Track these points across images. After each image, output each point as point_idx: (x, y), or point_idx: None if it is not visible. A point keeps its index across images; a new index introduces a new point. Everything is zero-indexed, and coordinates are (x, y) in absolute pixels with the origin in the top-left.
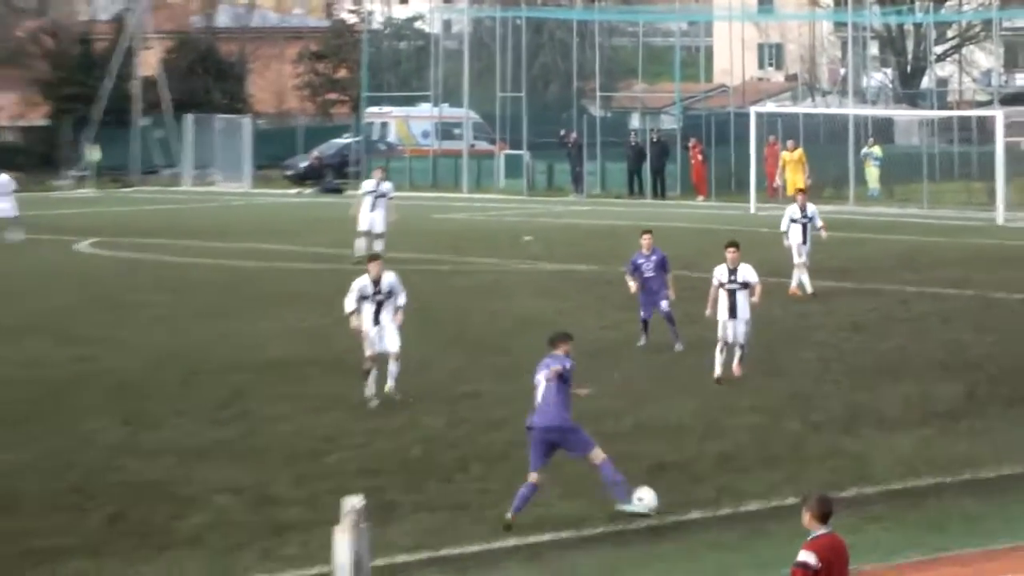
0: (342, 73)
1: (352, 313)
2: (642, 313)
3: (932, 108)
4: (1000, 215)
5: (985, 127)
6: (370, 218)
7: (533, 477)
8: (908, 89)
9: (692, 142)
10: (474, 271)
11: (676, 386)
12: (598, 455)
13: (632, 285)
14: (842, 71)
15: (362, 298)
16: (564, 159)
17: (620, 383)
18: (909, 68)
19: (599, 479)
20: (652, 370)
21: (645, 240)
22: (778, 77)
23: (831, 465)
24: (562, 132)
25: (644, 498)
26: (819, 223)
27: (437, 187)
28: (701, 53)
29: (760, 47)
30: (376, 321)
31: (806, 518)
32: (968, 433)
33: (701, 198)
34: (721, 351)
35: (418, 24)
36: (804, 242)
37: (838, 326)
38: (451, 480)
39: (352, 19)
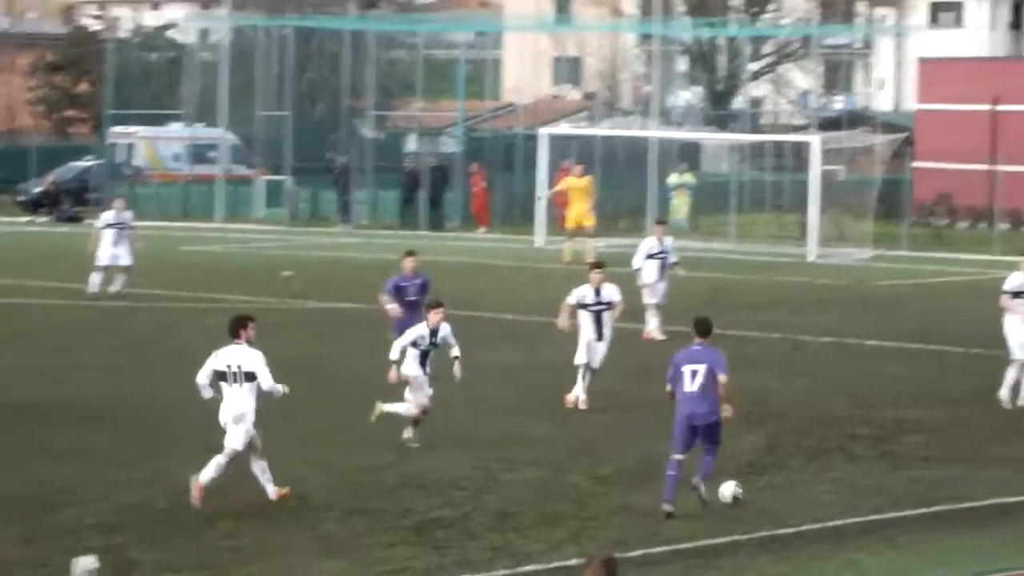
0: (83, 87)
1: (395, 363)
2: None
3: (744, 131)
4: (812, 251)
5: (800, 154)
6: (112, 252)
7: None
8: (719, 110)
9: (474, 167)
10: (229, 309)
11: (451, 437)
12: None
13: (393, 309)
14: (646, 89)
15: (413, 345)
16: (331, 186)
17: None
18: (720, 87)
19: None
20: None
21: (408, 263)
22: (575, 95)
23: (619, 522)
24: (329, 156)
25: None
26: (673, 259)
27: (189, 216)
28: (489, 68)
29: (556, 61)
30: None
31: None
32: (769, 488)
33: (483, 230)
34: (584, 376)
35: (171, 33)
36: (660, 280)
37: (629, 372)
38: (198, 537)
39: (95, 26)
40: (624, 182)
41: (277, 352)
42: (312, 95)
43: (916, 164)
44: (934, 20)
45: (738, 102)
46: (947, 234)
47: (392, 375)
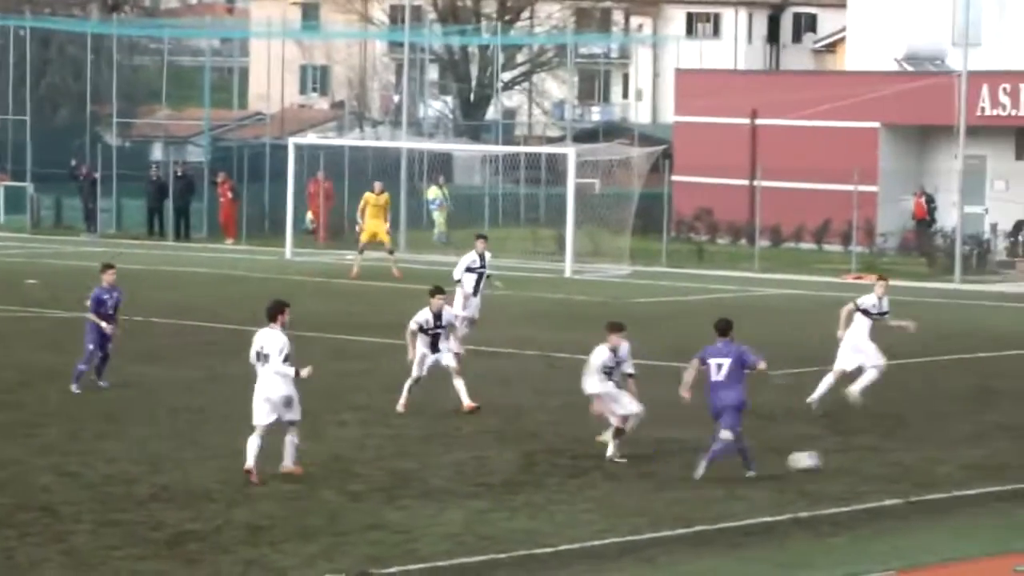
0: None
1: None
2: (90, 346)
3: (497, 142)
4: (568, 267)
5: (555, 166)
6: None
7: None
8: (471, 120)
9: (221, 177)
10: None
11: (202, 449)
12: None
13: (104, 325)
14: (396, 98)
15: (421, 330)
16: (75, 193)
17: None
18: (473, 97)
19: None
20: (165, 428)
21: (107, 276)
22: (323, 104)
23: (372, 538)
24: (73, 163)
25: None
26: (489, 273)
27: None
28: (235, 75)
29: (303, 69)
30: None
31: None
32: (525, 506)
33: (230, 241)
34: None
35: None
36: (475, 294)
37: (383, 387)
38: None
39: None
40: None
41: (21, 361)
42: (53, 100)
43: (675, 178)
44: (691, 30)
45: (491, 112)
46: (707, 250)
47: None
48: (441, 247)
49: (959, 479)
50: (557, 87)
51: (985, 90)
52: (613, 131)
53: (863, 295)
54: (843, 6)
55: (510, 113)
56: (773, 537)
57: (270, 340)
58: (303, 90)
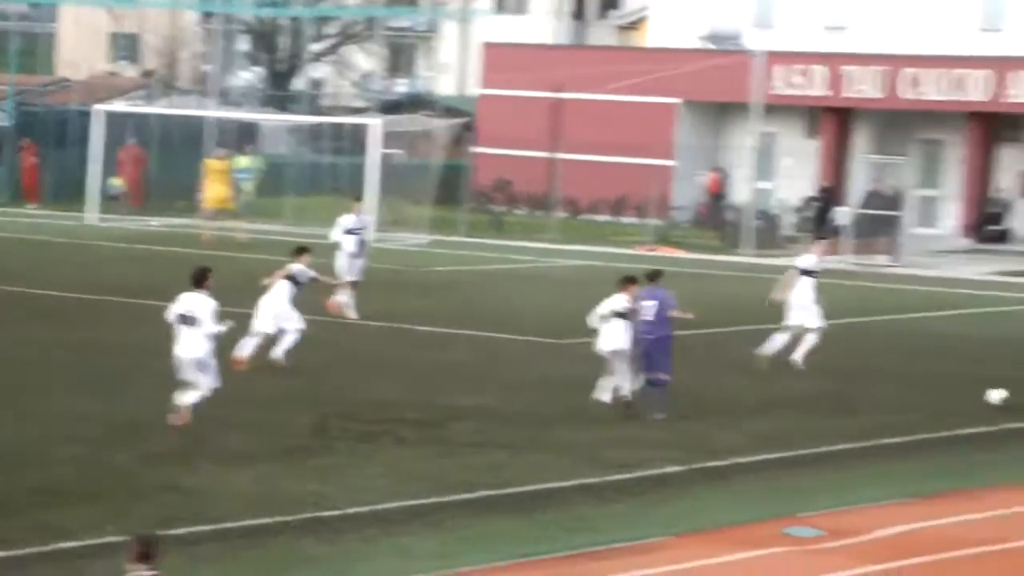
0: None
1: None
2: None
3: (304, 113)
4: (369, 235)
5: (360, 137)
6: None
7: None
8: (279, 91)
9: (25, 143)
10: None
11: None
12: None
13: None
14: (206, 68)
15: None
16: None
17: None
18: (282, 67)
19: None
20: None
21: None
22: (133, 72)
23: (162, 501)
24: None
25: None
26: (370, 238)
27: None
28: (42, 41)
29: (113, 37)
30: None
31: (127, 558)
32: (316, 470)
33: (33, 205)
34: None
35: None
36: (358, 256)
37: None
38: None
39: None
40: (181, 162)
41: None
42: None
43: (476, 150)
44: (499, 6)
45: (299, 83)
46: (506, 221)
47: None
48: (249, 216)
49: (740, 447)
50: (365, 59)
51: (778, 70)
52: (418, 103)
53: (798, 258)
54: None
55: (317, 84)
56: (558, 502)
57: (199, 304)
58: (113, 58)
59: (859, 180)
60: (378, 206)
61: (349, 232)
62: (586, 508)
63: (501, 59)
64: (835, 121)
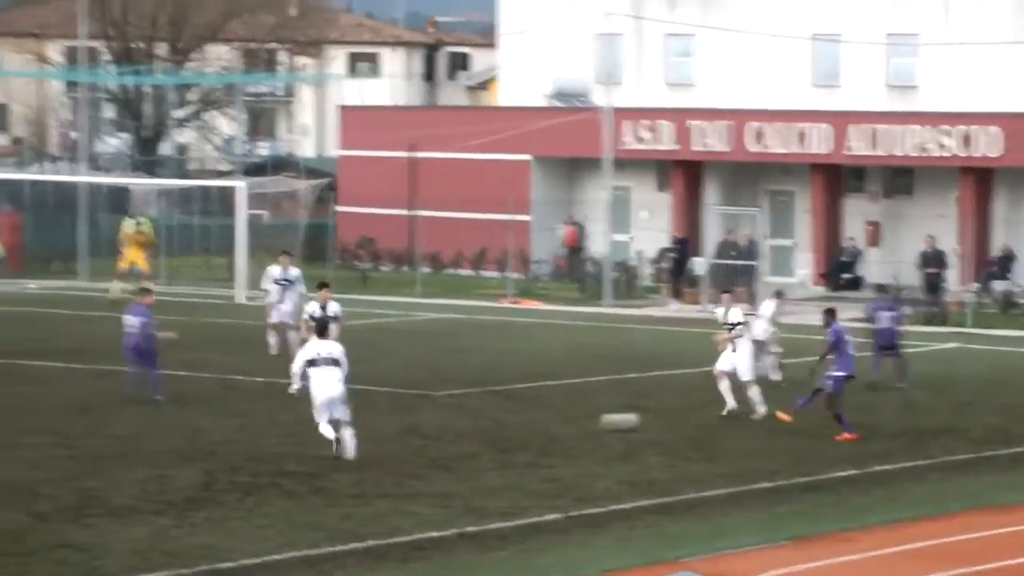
0: None
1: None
2: None
3: (172, 177)
4: (240, 293)
5: (227, 198)
6: None
7: None
8: (146, 156)
9: None
10: None
11: None
12: None
13: None
14: (73, 135)
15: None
16: None
17: None
18: (148, 133)
19: None
20: None
21: None
22: (2, 140)
23: (57, 557)
24: None
25: None
26: (303, 288)
27: None
28: None
29: None
30: None
31: None
32: (206, 523)
33: None
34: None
35: None
36: (281, 302)
37: (66, 408)
38: None
39: None
40: (55, 225)
41: None
42: None
43: (339, 208)
44: (353, 70)
45: (165, 148)
46: (371, 277)
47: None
48: (135, 278)
49: (615, 494)
50: (227, 124)
51: (627, 126)
52: (281, 165)
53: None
54: (493, 46)
55: (183, 149)
56: (441, 551)
57: (336, 350)
58: None
59: (712, 231)
60: (247, 265)
61: (276, 282)
62: (469, 556)
63: (357, 121)
64: (685, 174)
